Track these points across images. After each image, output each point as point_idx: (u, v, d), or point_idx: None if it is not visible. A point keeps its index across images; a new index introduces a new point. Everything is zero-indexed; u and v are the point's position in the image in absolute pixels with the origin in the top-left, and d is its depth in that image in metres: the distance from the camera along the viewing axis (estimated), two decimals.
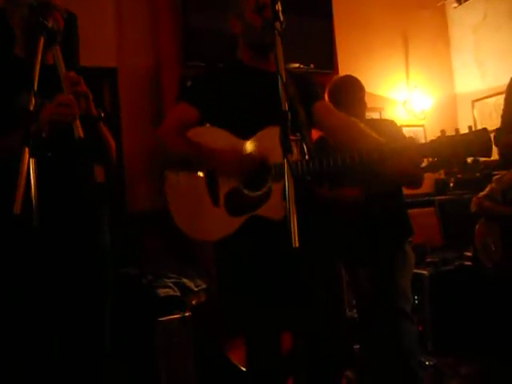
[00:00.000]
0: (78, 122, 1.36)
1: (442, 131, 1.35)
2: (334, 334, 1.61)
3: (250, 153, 1.49)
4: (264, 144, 1.47)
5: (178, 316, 2.50)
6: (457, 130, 1.34)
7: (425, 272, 3.12)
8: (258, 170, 1.47)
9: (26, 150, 1.17)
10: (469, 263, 3.26)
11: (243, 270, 1.56)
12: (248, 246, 1.53)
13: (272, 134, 1.44)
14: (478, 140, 1.30)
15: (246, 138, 1.52)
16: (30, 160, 1.19)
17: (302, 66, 3.40)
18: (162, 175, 1.63)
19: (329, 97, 2.30)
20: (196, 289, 2.69)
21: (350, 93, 2.30)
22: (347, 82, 2.37)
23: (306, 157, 1.50)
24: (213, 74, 1.71)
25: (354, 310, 2.76)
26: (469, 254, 3.33)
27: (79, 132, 1.34)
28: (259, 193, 1.48)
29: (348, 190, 2.10)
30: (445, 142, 1.33)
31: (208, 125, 1.63)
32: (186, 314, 2.52)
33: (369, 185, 2.11)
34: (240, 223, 1.50)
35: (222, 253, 1.62)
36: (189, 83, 1.77)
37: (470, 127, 1.33)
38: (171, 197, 1.60)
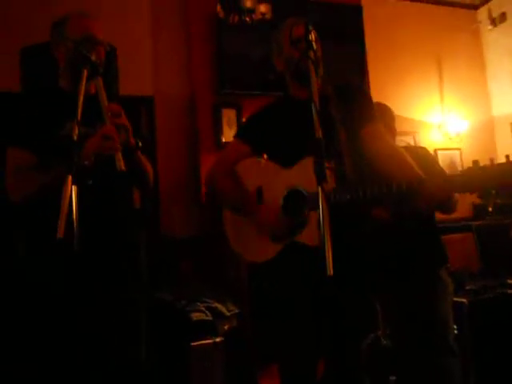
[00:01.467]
0: (119, 155, 1.41)
1: (475, 162, 1.29)
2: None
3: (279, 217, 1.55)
4: (304, 172, 1.51)
5: (211, 341, 2.49)
6: (491, 160, 1.29)
7: (464, 300, 3.01)
8: (287, 224, 1.54)
9: (69, 177, 1.22)
10: (511, 291, 3.13)
11: (280, 296, 1.60)
12: (285, 271, 1.57)
13: (310, 163, 1.47)
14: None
15: (291, 166, 1.59)
16: (73, 187, 1.24)
17: None
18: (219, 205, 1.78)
19: None
20: (228, 313, 2.69)
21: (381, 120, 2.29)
22: (377, 109, 2.36)
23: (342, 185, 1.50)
24: (264, 110, 1.79)
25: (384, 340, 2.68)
26: (510, 281, 3.21)
27: (121, 165, 1.39)
28: (297, 220, 1.52)
29: (374, 210, 2.08)
30: (477, 174, 1.27)
31: (256, 157, 1.74)
32: (218, 340, 2.51)
33: (397, 206, 2.09)
34: (279, 249, 1.55)
35: (260, 278, 1.66)
36: (243, 121, 1.89)
37: (507, 156, 1.27)
38: (227, 222, 1.72)
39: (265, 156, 1.75)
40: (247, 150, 1.70)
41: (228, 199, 1.70)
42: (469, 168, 1.29)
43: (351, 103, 1.64)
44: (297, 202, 1.52)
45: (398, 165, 1.54)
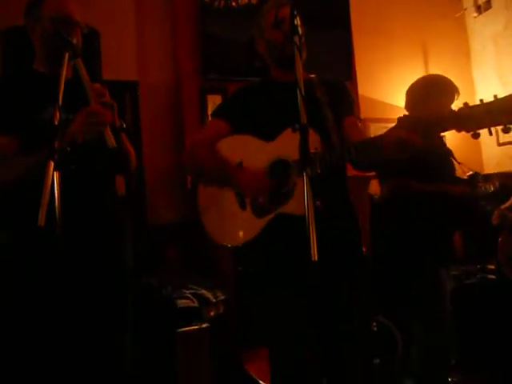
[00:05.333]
0: (109, 131, 1.39)
1: (465, 103, 1.26)
2: (361, 346, 1.60)
3: (267, 175, 1.53)
4: (288, 142, 1.50)
5: (197, 327, 2.50)
6: (481, 100, 1.25)
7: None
8: (277, 186, 1.51)
9: (51, 163, 1.20)
10: (492, 276, 3.20)
11: (264, 280, 1.59)
12: (270, 254, 1.56)
13: (291, 134, 1.47)
14: (504, 107, 1.21)
15: (271, 140, 1.58)
16: (54, 173, 1.22)
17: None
18: (194, 186, 1.71)
19: (431, 93, 2.19)
20: (214, 300, 2.69)
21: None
22: (443, 84, 2.28)
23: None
24: (243, 91, 1.77)
25: (374, 323, 2.72)
26: (491, 266, 3.27)
27: (112, 141, 1.37)
28: (283, 190, 1.51)
29: (457, 186, 2.11)
30: (467, 113, 1.25)
31: (235, 135, 1.69)
32: (204, 326, 2.52)
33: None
34: (264, 224, 1.53)
35: (243, 264, 1.64)
36: (220, 102, 1.84)
37: (495, 96, 1.23)
38: (203, 206, 1.67)
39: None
40: (226, 128, 1.67)
41: (208, 170, 1.65)
42: (460, 108, 1.27)
43: (335, 94, 1.65)
44: (282, 171, 1.51)
45: None
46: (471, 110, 1.24)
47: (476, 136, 1.26)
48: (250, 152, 1.61)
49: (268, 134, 1.58)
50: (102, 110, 1.42)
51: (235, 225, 1.59)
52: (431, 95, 2.16)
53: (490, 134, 1.26)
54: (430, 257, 2.11)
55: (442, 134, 1.42)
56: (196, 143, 1.71)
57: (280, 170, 1.52)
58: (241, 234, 1.57)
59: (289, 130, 1.50)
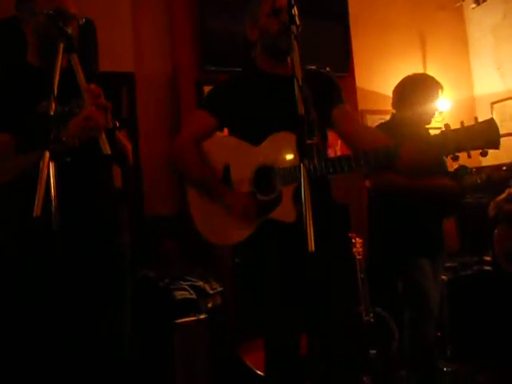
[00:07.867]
0: (104, 137, 1.38)
1: (447, 125, 1.29)
2: (348, 336, 1.62)
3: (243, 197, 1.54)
4: (274, 148, 1.51)
5: (194, 319, 2.51)
6: (462, 123, 1.28)
7: (443, 277, 3.08)
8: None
9: (47, 153, 1.19)
10: (488, 268, 3.21)
11: (259, 272, 1.60)
12: (263, 248, 1.57)
13: (282, 137, 1.48)
14: (484, 131, 1.24)
15: (260, 143, 1.56)
16: (50, 164, 1.21)
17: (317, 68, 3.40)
18: (183, 183, 1.71)
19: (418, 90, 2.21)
20: (212, 291, 2.70)
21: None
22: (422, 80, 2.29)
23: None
24: (231, 82, 1.75)
25: (371, 315, 2.74)
26: (488, 258, 3.28)
27: (106, 148, 1.36)
28: (271, 197, 1.51)
29: (444, 179, 2.11)
30: (449, 136, 1.27)
31: (223, 133, 1.70)
32: (202, 317, 2.53)
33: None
34: (254, 227, 1.54)
35: (240, 256, 1.66)
36: (208, 91, 1.81)
37: (475, 118, 1.26)
38: (193, 203, 1.66)
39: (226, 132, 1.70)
40: (213, 124, 1.65)
41: (195, 180, 1.64)
42: (442, 131, 1.29)
43: (321, 87, 1.63)
44: (268, 179, 1.51)
45: (371, 139, 1.56)
46: (453, 134, 1.27)
47: (455, 159, 1.28)
48: (237, 155, 1.60)
49: (256, 134, 1.56)
50: (97, 113, 1.41)
51: (224, 226, 1.59)
52: (411, 94, 2.20)
53: (469, 156, 1.28)
54: (416, 247, 2.15)
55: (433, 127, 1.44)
56: (183, 143, 1.67)
57: (265, 177, 1.52)
58: (232, 235, 1.58)
59: (275, 135, 1.50)
